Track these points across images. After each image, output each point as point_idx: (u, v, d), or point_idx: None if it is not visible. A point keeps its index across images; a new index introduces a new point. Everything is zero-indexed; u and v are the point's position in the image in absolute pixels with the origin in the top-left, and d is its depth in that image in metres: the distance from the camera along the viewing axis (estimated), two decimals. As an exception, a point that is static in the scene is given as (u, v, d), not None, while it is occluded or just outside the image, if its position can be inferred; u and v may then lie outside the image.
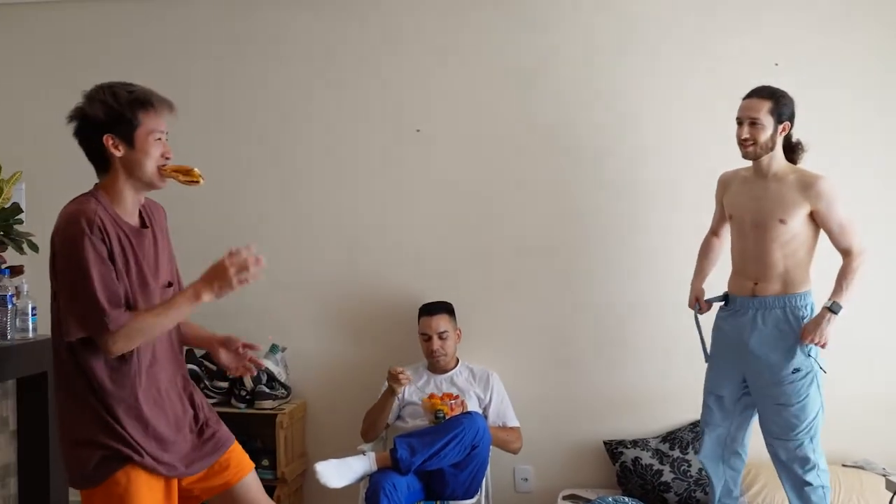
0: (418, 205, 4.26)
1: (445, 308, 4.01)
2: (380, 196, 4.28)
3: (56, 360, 2.32)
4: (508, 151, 4.19)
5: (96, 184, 2.37)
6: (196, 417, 2.47)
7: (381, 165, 4.28)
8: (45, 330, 3.05)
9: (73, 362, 2.26)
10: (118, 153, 2.29)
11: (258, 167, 4.35)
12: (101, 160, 2.34)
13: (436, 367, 3.99)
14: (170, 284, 2.46)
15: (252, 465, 2.56)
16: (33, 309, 2.98)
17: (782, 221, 3.27)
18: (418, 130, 4.23)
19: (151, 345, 2.35)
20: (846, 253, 3.30)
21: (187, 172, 2.37)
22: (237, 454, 2.52)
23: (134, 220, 2.37)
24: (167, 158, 2.35)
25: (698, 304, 3.58)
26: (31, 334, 2.97)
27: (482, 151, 4.21)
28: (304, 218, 4.33)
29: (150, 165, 2.31)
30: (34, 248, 3.01)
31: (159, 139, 2.33)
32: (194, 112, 4.01)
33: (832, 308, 3.24)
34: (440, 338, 3.94)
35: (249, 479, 2.52)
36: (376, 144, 4.28)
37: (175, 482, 2.38)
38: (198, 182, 2.38)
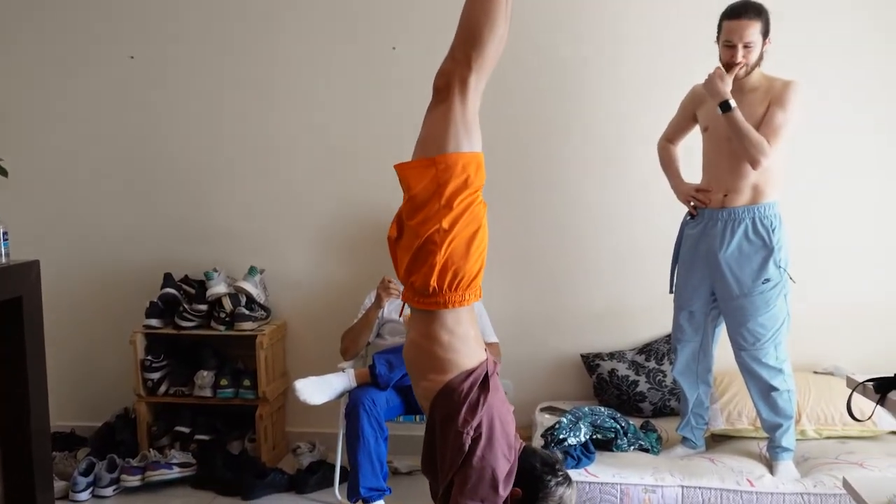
0: (390, 126, 4.20)
1: None
2: (353, 117, 4.24)
3: None
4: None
5: None
6: None
7: (356, 85, 4.22)
8: (18, 255, 3.04)
9: None
10: None
11: (231, 88, 4.30)
12: None
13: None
14: None
15: None
16: (4, 234, 2.94)
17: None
18: (394, 48, 4.18)
19: None
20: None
21: None
22: None
23: None
24: None
25: (695, 200, 3.44)
26: (3, 259, 2.93)
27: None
28: (279, 140, 4.29)
29: None
30: (3, 172, 2.96)
31: None
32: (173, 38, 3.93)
33: (724, 106, 3.20)
34: None
35: None
36: (354, 62, 4.21)
37: None
38: None
